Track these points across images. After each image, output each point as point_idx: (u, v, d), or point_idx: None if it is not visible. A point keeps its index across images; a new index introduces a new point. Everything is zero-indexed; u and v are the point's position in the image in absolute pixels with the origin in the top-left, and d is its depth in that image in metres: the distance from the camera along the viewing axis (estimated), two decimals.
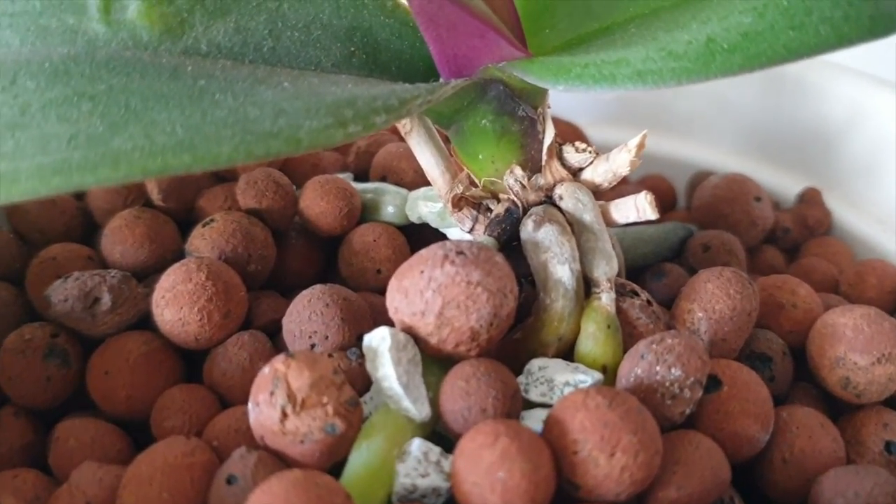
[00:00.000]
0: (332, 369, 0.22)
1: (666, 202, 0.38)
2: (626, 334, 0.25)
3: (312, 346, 0.25)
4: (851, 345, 0.25)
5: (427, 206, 0.30)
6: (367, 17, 0.25)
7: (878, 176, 0.34)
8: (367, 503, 0.21)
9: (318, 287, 0.26)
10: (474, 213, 0.27)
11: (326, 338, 0.25)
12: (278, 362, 0.22)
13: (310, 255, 0.31)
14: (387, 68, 0.25)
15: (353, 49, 0.25)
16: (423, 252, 0.24)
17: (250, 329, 0.27)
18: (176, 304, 0.25)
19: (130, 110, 0.20)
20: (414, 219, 0.30)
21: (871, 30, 0.22)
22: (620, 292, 0.26)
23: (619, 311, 0.25)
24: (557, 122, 0.41)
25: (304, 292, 0.26)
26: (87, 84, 0.21)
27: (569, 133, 0.39)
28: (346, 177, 0.33)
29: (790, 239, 0.35)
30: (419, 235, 0.31)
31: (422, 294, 0.23)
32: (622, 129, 0.40)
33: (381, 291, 0.29)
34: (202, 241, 0.28)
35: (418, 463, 0.22)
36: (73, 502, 0.22)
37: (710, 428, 0.24)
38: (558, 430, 0.21)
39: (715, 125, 0.39)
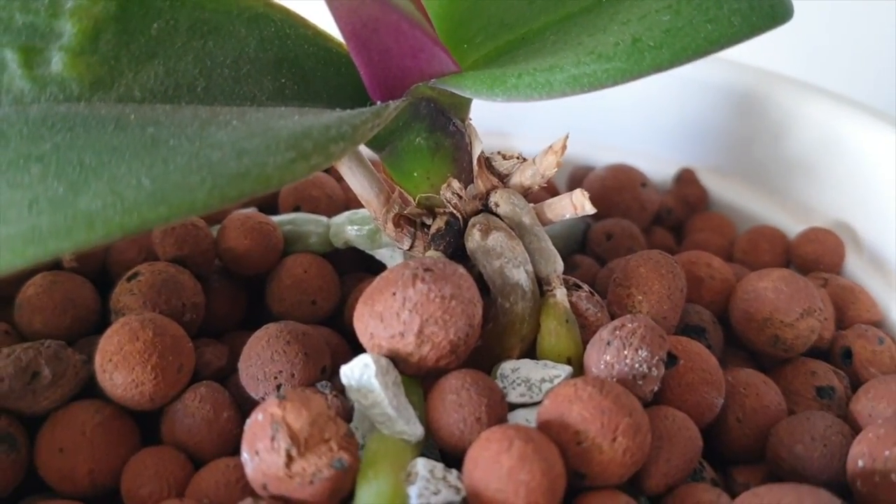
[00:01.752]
0: (326, 404, 0.22)
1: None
2: (579, 325, 0.26)
3: (279, 386, 0.25)
4: (776, 306, 0.28)
5: (354, 230, 0.29)
6: (292, 48, 0.25)
7: (749, 148, 0.37)
8: None
9: (272, 326, 0.25)
10: (412, 230, 0.27)
11: (293, 375, 0.25)
12: (273, 406, 0.21)
13: (236, 296, 0.30)
14: (318, 96, 0.25)
15: (283, 80, 0.24)
16: (388, 274, 0.24)
17: (200, 380, 0.26)
18: (126, 365, 0.24)
19: (86, 167, 0.19)
20: (339, 245, 0.30)
21: (773, 17, 0.24)
22: (566, 286, 0.27)
23: (570, 304, 0.26)
24: None
25: (259, 333, 0.25)
26: (29, 144, 0.20)
27: None
28: (252, 209, 0.32)
29: (674, 218, 0.37)
30: (343, 262, 0.31)
31: (398, 316, 0.23)
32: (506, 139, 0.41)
33: (319, 322, 0.29)
34: (130, 297, 0.26)
35: (427, 482, 0.22)
36: None
37: (675, 400, 0.25)
38: (557, 426, 0.22)
39: (583, 122, 0.41)
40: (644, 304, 0.27)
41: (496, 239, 0.26)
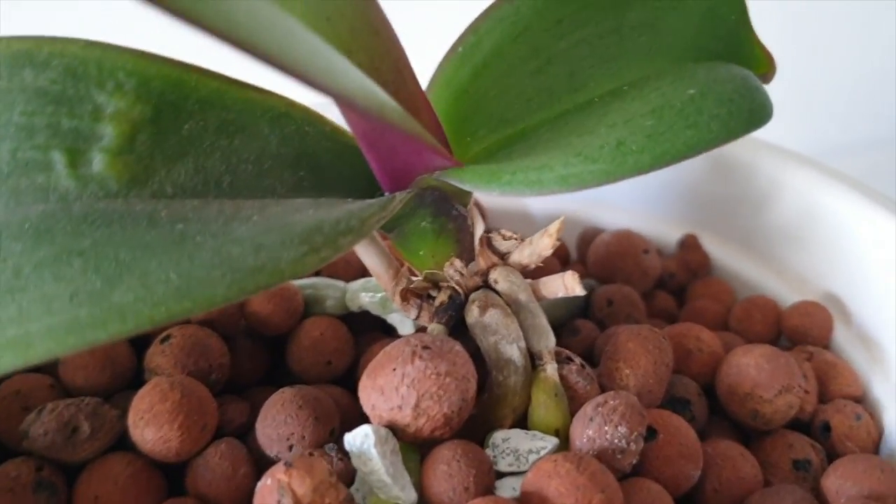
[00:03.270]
0: (328, 472, 0.24)
1: (561, 258, 0.41)
2: (568, 398, 0.28)
3: (290, 447, 0.27)
4: (756, 382, 0.30)
5: (368, 297, 0.32)
6: (311, 144, 0.27)
7: (751, 218, 0.39)
8: None
9: (286, 391, 0.28)
10: (419, 301, 0.30)
11: (303, 438, 0.27)
12: (279, 473, 0.24)
13: (259, 355, 0.32)
14: (333, 187, 0.28)
15: (301, 174, 0.27)
16: (390, 350, 0.26)
17: (223, 436, 0.28)
18: (156, 423, 0.27)
19: (121, 262, 0.22)
20: (354, 308, 0.33)
21: (750, 121, 0.26)
22: (558, 360, 0.29)
23: (560, 377, 0.29)
24: None
25: (274, 397, 0.28)
26: (72, 240, 0.23)
27: None
28: None
29: (676, 282, 0.39)
30: (358, 323, 0.33)
31: (397, 390, 0.25)
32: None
33: (333, 381, 0.32)
34: (163, 357, 0.29)
35: None
36: None
37: (653, 472, 0.27)
38: (537, 499, 0.24)
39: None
40: (631, 377, 0.29)
41: (492, 316, 0.28)
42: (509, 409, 0.28)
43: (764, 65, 0.30)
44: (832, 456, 0.30)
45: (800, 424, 0.31)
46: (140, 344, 0.31)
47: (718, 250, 0.40)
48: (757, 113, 0.26)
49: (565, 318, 0.36)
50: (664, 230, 0.41)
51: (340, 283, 0.33)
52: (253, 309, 0.32)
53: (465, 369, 0.26)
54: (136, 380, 0.30)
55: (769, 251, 0.38)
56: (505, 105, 0.29)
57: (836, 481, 0.28)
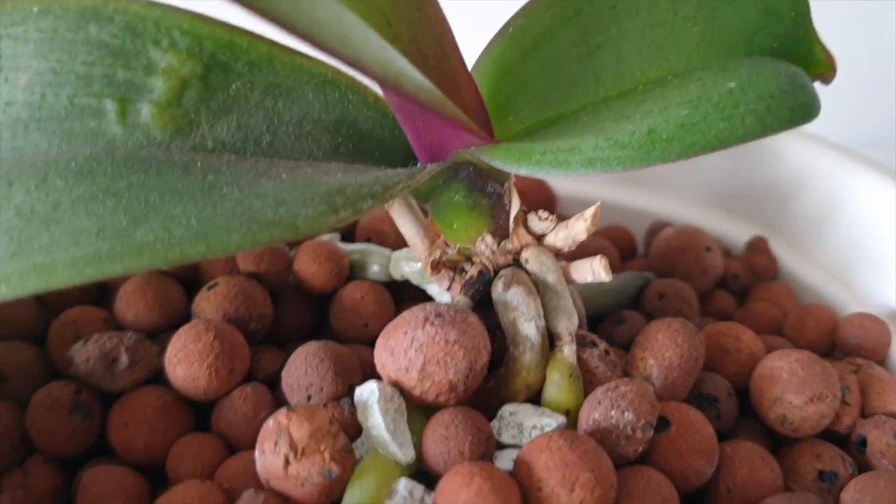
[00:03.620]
0: (329, 420, 0.25)
1: (626, 251, 0.41)
2: (587, 381, 0.28)
3: (309, 397, 0.28)
4: (787, 386, 0.29)
5: (409, 266, 0.33)
6: (353, 111, 0.28)
7: (822, 227, 0.38)
8: None
9: (312, 344, 0.29)
10: (451, 273, 0.30)
11: (321, 389, 0.28)
12: (281, 415, 0.25)
13: (303, 312, 0.34)
14: (370, 155, 0.28)
15: (340, 140, 0.28)
16: (406, 314, 0.27)
17: (253, 381, 0.30)
18: (187, 361, 0.29)
19: (150, 205, 0.24)
20: (397, 276, 0.34)
21: (790, 119, 0.25)
22: (581, 343, 0.29)
23: (580, 360, 0.29)
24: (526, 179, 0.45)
25: (301, 349, 0.29)
26: (110, 181, 0.24)
27: (536, 187, 0.43)
28: (333, 237, 0.36)
29: (740, 284, 0.38)
30: (402, 292, 0.34)
31: (406, 352, 0.26)
32: (588, 184, 0.43)
33: (369, 343, 0.33)
34: (207, 303, 0.31)
35: (404, 500, 0.25)
36: None
37: (661, 463, 0.27)
38: (525, 470, 0.25)
39: (674, 179, 0.42)
40: (654, 368, 0.29)
41: (515, 293, 0.28)
42: (523, 384, 0.28)
43: (823, 65, 0.29)
44: (865, 472, 0.29)
45: (837, 437, 0.30)
46: (192, 289, 0.33)
47: (787, 255, 0.39)
48: (799, 111, 0.26)
49: (613, 307, 0.36)
50: (735, 231, 0.40)
51: (387, 251, 0.34)
52: (300, 267, 0.33)
53: (475, 340, 0.26)
54: (184, 322, 0.32)
55: (838, 261, 0.37)
56: (550, 87, 0.29)
57: (854, 495, 0.27)
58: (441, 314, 0.26)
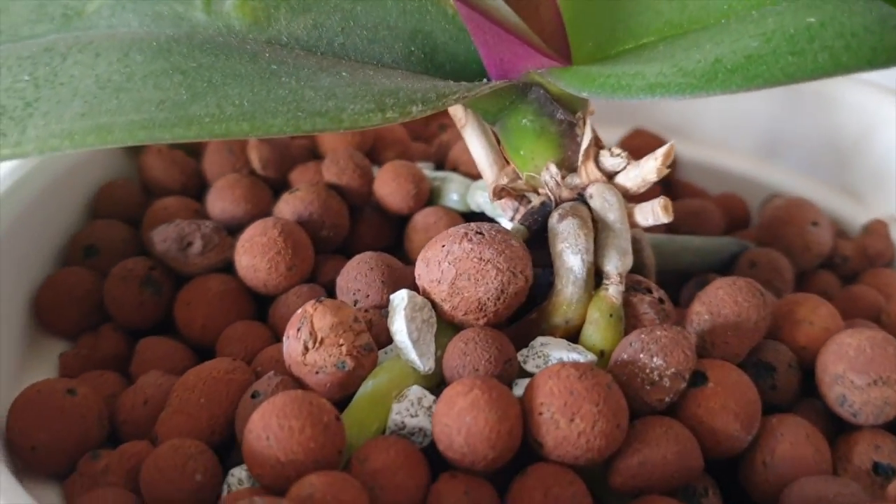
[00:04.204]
0: (353, 317, 0.26)
1: (738, 220, 0.39)
2: (632, 326, 0.27)
3: (355, 301, 0.29)
4: (851, 364, 0.27)
5: (482, 197, 0.33)
6: (430, 22, 0.29)
7: None
8: (361, 430, 0.25)
9: (368, 253, 0.30)
10: (515, 204, 0.30)
11: (367, 296, 0.29)
12: (309, 305, 0.26)
13: (381, 230, 0.35)
14: (441, 68, 0.29)
15: (413, 49, 0.28)
16: (451, 229, 0.27)
17: (317, 284, 0.31)
18: (251, 252, 0.30)
19: (211, 84, 0.25)
20: (473, 207, 0.34)
21: (871, 60, 0.23)
22: (635, 288, 0.28)
23: (629, 304, 0.28)
24: (643, 133, 0.43)
25: (357, 256, 0.30)
26: (182, 61, 0.26)
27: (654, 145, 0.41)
28: (426, 165, 0.36)
29: (849, 267, 0.35)
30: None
31: (440, 265, 0.26)
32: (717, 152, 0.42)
33: None
34: (285, 205, 0.32)
35: (411, 405, 0.25)
36: (135, 400, 0.27)
37: (691, 419, 0.26)
38: (531, 394, 0.24)
39: (799, 153, 0.40)
40: (708, 323, 0.27)
41: (567, 224, 0.28)
42: (562, 319, 0.27)
43: None
44: None
45: None
46: (279, 191, 0.34)
47: None
48: (882, 53, 0.23)
49: (701, 268, 0.34)
50: (858, 212, 0.37)
51: (468, 181, 0.34)
52: (379, 185, 0.34)
53: (511, 263, 0.26)
54: None
55: None
56: (635, 17, 0.28)
57: None
58: (482, 232, 0.26)
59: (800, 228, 0.35)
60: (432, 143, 0.39)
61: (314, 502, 0.21)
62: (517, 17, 0.26)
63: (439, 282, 0.26)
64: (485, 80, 0.28)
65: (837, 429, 0.28)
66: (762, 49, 0.24)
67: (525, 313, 0.28)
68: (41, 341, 0.31)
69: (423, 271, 0.27)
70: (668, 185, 0.41)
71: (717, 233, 0.37)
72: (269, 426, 0.23)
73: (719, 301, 0.28)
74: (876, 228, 0.36)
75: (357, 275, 0.29)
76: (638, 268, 0.30)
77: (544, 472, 0.24)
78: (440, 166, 0.37)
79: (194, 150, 0.38)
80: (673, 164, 0.43)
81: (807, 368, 0.29)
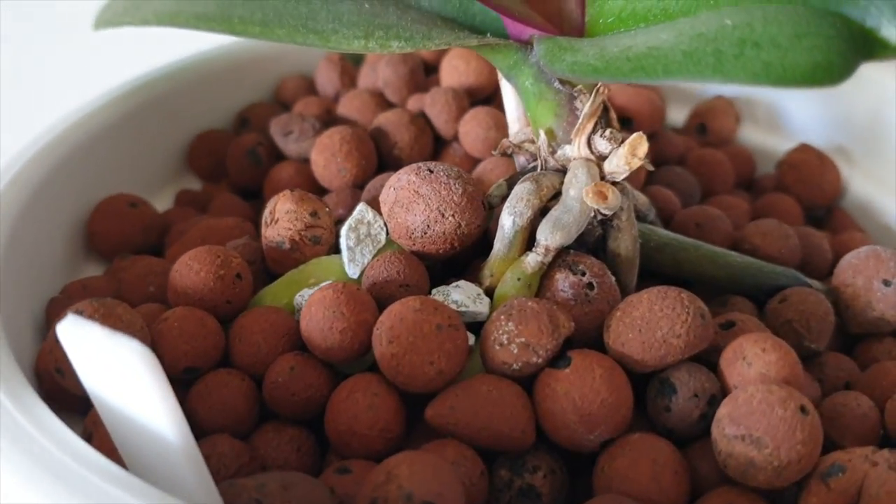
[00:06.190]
0: (311, 211, 0.30)
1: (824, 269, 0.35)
2: (546, 300, 0.28)
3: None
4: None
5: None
6: None
7: None
8: (274, 299, 0.29)
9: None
10: (522, 161, 0.31)
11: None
12: (281, 193, 0.31)
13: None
14: (473, 18, 0.31)
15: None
16: (414, 165, 0.30)
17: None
18: (318, 149, 0.36)
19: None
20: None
21: (756, 76, 0.21)
22: (569, 266, 0.28)
23: (550, 277, 0.28)
24: (808, 148, 0.39)
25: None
26: None
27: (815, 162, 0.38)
28: None
29: None
30: None
31: (389, 189, 0.29)
32: None
33: None
34: (383, 117, 0.37)
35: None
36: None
37: (537, 396, 0.26)
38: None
39: None
40: (617, 320, 0.27)
41: (520, 187, 0.29)
42: (488, 271, 0.29)
43: None
44: None
45: None
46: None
47: None
48: (774, 72, 0.21)
49: (728, 287, 0.32)
50: None
51: None
52: (462, 124, 0.37)
53: (444, 204, 0.28)
54: None
55: None
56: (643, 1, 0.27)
57: None
58: (433, 171, 0.29)
59: (867, 283, 0.30)
60: None
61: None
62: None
63: (384, 203, 0.29)
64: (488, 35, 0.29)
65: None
66: (667, 43, 0.23)
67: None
68: None
69: (381, 192, 0.30)
70: None
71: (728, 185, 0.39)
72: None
73: (636, 300, 0.27)
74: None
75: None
76: (612, 256, 0.29)
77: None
78: None
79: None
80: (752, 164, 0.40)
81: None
